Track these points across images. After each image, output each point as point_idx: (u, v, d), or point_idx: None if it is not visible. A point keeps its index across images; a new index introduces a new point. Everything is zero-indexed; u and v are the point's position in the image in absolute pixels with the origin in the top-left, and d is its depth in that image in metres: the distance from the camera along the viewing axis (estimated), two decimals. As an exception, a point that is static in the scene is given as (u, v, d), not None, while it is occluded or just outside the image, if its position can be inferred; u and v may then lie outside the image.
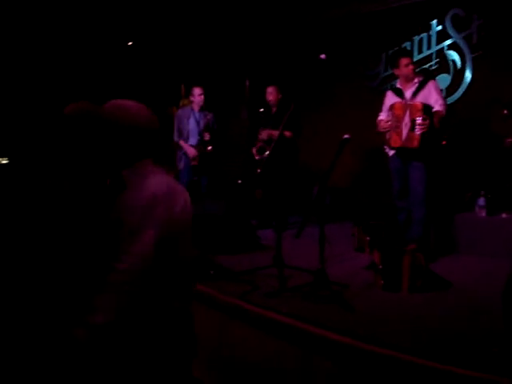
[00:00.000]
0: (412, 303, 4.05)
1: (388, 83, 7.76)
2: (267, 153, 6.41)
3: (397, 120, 5.33)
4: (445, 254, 5.58)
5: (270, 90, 7.08)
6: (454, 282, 4.48)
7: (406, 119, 5.26)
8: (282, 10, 8.95)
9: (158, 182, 2.10)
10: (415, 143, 5.21)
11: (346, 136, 4.21)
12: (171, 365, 2.05)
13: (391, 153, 5.58)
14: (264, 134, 6.95)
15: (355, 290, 4.36)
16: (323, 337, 3.45)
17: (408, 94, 5.48)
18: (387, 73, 8.00)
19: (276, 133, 6.64)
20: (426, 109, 5.23)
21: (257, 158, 6.95)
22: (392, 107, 5.43)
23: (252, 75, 9.23)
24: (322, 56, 4.71)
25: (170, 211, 2.06)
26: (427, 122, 5.15)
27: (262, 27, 9.22)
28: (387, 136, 5.46)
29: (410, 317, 3.76)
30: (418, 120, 5.15)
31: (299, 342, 3.56)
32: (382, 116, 5.65)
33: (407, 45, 7.84)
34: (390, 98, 5.64)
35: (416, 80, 5.50)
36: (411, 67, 5.47)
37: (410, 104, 5.30)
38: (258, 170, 5.70)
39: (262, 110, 7.17)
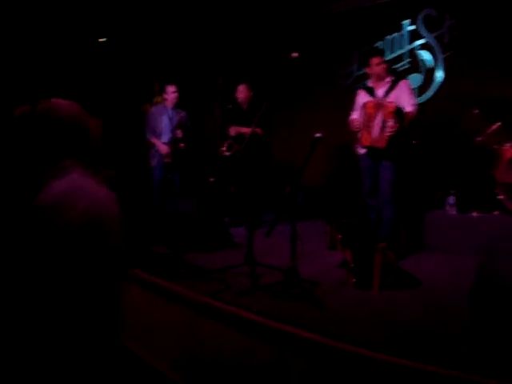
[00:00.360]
0: (382, 301, 4.08)
1: (361, 82, 7.78)
2: (238, 150, 6.43)
3: (369, 119, 5.37)
4: (415, 252, 5.64)
5: (240, 88, 7.14)
6: (424, 279, 4.53)
7: (378, 119, 5.30)
8: (256, 8, 8.95)
9: (62, 183, 1.95)
10: (383, 144, 5.26)
11: (317, 135, 4.21)
12: (96, 338, 1.95)
13: (362, 151, 5.61)
14: (232, 131, 6.99)
15: (327, 288, 4.37)
16: (294, 335, 3.45)
17: (380, 92, 5.51)
18: (360, 71, 8.03)
19: (245, 129, 6.70)
20: (398, 111, 5.27)
21: (225, 154, 6.97)
22: (364, 106, 5.45)
23: (225, 73, 9.21)
24: (295, 54, 4.72)
25: (65, 215, 1.89)
26: (397, 125, 5.21)
27: (235, 25, 9.21)
28: (359, 134, 5.49)
29: (380, 314, 3.79)
30: (390, 122, 5.19)
31: (271, 340, 3.55)
32: (355, 115, 5.67)
33: (380, 44, 7.89)
34: (362, 97, 5.66)
35: (388, 79, 5.52)
36: (383, 66, 5.48)
37: (384, 104, 5.32)
38: (230, 166, 5.69)
39: (229, 106, 7.20)
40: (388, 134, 5.21)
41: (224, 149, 7.03)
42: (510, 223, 5.00)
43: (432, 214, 5.92)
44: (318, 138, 4.21)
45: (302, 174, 4.25)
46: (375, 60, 5.48)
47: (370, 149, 5.46)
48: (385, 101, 5.36)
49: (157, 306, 4.55)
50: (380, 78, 5.53)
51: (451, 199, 5.77)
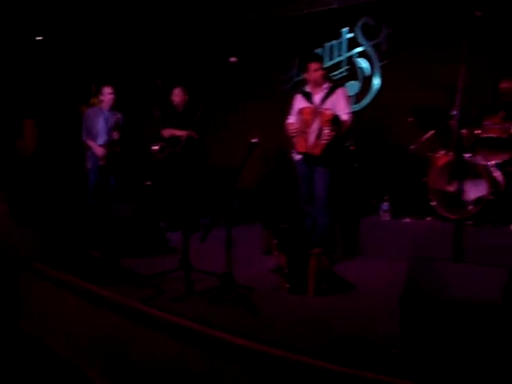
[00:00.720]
0: (317, 306, 4.10)
1: (300, 87, 7.86)
2: (173, 153, 6.40)
3: (305, 125, 5.36)
4: (351, 257, 5.71)
5: (176, 91, 7.16)
6: (358, 284, 4.58)
7: (315, 126, 5.30)
8: (198, 12, 8.92)
9: None
10: (318, 151, 5.28)
11: (254, 140, 4.21)
12: None
13: (298, 157, 5.62)
14: (166, 133, 6.95)
15: (262, 294, 4.36)
16: (229, 341, 3.42)
17: (317, 99, 5.52)
18: (299, 77, 8.08)
19: (179, 132, 6.67)
20: (335, 119, 5.29)
21: (158, 156, 6.93)
22: (301, 112, 5.45)
23: (165, 75, 9.12)
24: (233, 59, 4.71)
25: None
26: (334, 133, 5.24)
27: (175, 28, 9.13)
28: (294, 140, 5.50)
29: (314, 320, 3.80)
30: (326, 130, 5.22)
31: (205, 347, 3.52)
32: (291, 119, 5.68)
33: (319, 51, 7.97)
34: (299, 102, 5.66)
35: (325, 86, 5.55)
36: (320, 72, 5.51)
37: (321, 111, 5.33)
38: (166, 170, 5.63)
39: (162, 110, 7.18)
40: (324, 142, 5.24)
41: (156, 150, 6.98)
42: (441, 229, 5.10)
43: (367, 220, 6.01)
44: (254, 143, 4.21)
45: (238, 178, 4.23)
46: (313, 66, 5.50)
47: (305, 155, 5.47)
48: (322, 108, 5.37)
49: (89, 312, 4.45)
50: (317, 84, 5.55)
51: (385, 205, 5.88)
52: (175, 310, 3.88)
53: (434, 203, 5.58)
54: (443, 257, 3.89)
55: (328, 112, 5.29)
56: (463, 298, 2.63)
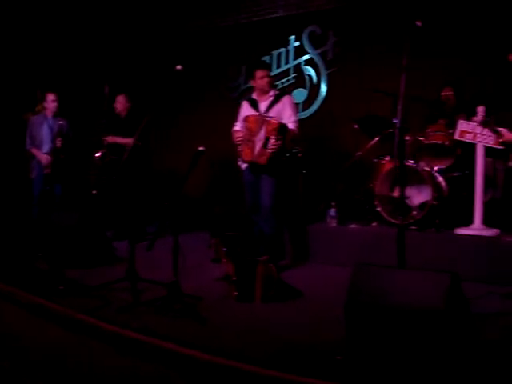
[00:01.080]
0: (264, 314, 4.10)
1: (248, 95, 7.90)
2: (119, 161, 6.33)
3: (250, 133, 5.36)
4: (299, 264, 5.74)
5: (119, 98, 7.10)
6: (306, 291, 4.61)
7: (261, 134, 5.29)
8: (146, 20, 8.86)
9: None
10: (264, 160, 5.29)
11: (200, 148, 4.20)
12: None
13: (244, 166, 5.61)
14: (107, 141, 6.87)
15: (210, 302, 4.34)
16: (176, 352, 3.39)
17: (262, 106, 5.53)
18: (247, 85, 8.12)
19: (122, 140, 6.64)
20: (282, 128, 5.30)
21: (98, 163, 6.85)
22: (246, 120, 5.43)
23: (112, 82, 9.02)
24: (179, 67, 4.68)
25: None
26: (280, 142, 5.26)
27: (123, 35, 9.04)
28: (239, 148, 5.49)
29: (262, 327, 3.80)
30: (272, 139, 5.22)
31: (151, 359, 3.47)
32: (238, 126, 5.67)
33: (267, 59, 8.02)
34: (245, 109, 5.65)
35: (271, 93, 5.57)
36: (267, 80, 5.52)
37: (267, 120, 5.32)
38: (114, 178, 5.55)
39: (107, 117, 7.10)
40: (270, 151, 5.24)
41: (98, 157, 6.89)
42: (387, 234, 5.17)
43: (315, 226, 6.05)
44: (200, 151, 4.20)
45: (184, 186, 4.21)
46: (259, 73, 5.51)
47: (251, 164, 5.47)
48: (268, 117, 5.37)
49: (33, 325, 4.34)
50: (264, 92, 5.56)
51: (332, 211, 5.94)
52: (120, 320, 3.82)
53: (379, 209, 5.68)
54: (389, 262, 3.94)
55: (274, 121, 5.30)
56: (405, 304, 2.67)
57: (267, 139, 5.25)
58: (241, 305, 4.30)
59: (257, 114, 5.48)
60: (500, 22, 6.29)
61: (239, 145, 5.47)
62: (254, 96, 5.68)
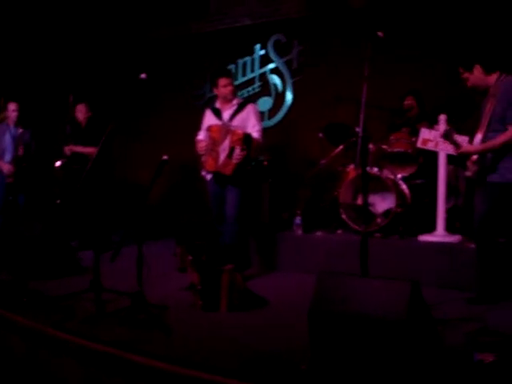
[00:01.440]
0: (230, 323, 4.09)
1: (213, 103, 7.92)
2: (79, 170, 6.27)
3: (214, 143, 5.31)
4: (266, 272, 5.76)
5: (79, 107, 7.00)
6: (272, 299, 4.61)
7: (226, 144, 5.26)
8: (110, 28, 8.80)
9: None
10: (229, 171, 5.26)
11: (164, 157, 4.19)
12: None
13: (209, 177, 5.56)
14: (67, 151, 6.79)
15: (175, 312, 4.31)
16: (141, 364, 3.37)
17: (226, 115, 5.49)
18: (212, 93, 8.12)
19: (82, 149, 6.67)
20: (247, 138, 5.29)
21: (58, 174, 6.77)
22: (209, 129, 5.39)
23: (77, 91, 8.94)
24: (143, 76, 4.66)
25: None
26: (245, 153, 5.25)
27: (88, 44, 8.96)
28: (203, 159, 5.44)
29: (227, 337, 3.79)
30: (237, 150, 5.20)
31: (117, 371, 3.44)
32: (201, 136, 5.64)
33: (232, 67, 8.04)
34: (208, 118, 5.61)
35: (235, 102, 5.54)
36: (230, 88, 5.48)
37: (232, 130, 5.28)
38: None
39: (68, 126, 7.02)
40: (235, 162, 5.22)
41: (58, 167, 6.81)
42: (352, 242, 5.21)
43: (281, 235, 6.07)
44: (164, 160, 4.19)
45: (149, 194, 4.19)
46: (222, 81, 5.47)
47: (215, 174, 5.43)
48: (231, 126, 5.35)
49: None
50: (227, 100, 5.53)
51: (298, 219, 5.97)
52: (85, 332, 3.77)
53: (344, 216, 5.73)
54: (354, 269, 3.99)
55: (239, 131, 5.28)
56: (366, 313, 2.70)
57: (232, 149, 5.22)
58: (206, 314, 4.28)
59: (220, 123, 5.45)
60: (460, 32, 6.42)
61: (203, 155, 5.42)
62: (218, 104, 5.65)
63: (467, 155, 4.34)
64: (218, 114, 5.56)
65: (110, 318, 4.12)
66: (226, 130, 5.32)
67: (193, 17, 8.42)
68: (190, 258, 5.36)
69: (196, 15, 8.40)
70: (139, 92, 4.86)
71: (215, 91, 5.61)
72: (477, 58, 4.28)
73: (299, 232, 5.97)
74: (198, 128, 5.78)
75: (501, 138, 4.13)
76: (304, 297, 4.59)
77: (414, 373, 2.62)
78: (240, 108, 5.51)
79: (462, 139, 4.69)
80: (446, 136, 4.34)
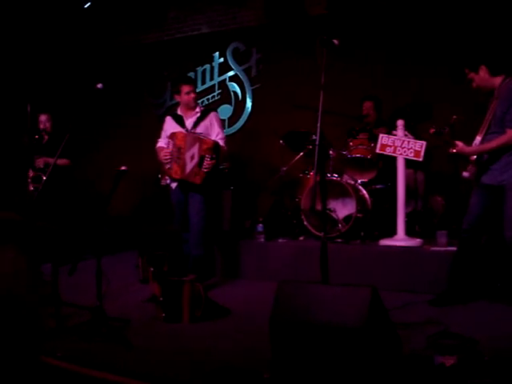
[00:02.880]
0: (192, 334, 4.04)
1: (175, 111, 7.89)
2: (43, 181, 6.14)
3: (179, 151, 5.22)
4: (230, 281, 5.73)
5: (41, 118, 6.85)
6: (235, 308, 4.58)
7: (194, 152, 5.19)
8: (69, 36, 8.68)
9: None
10: (198, 180, 5.20)
11: (122, 168, 4.14)
12: None
13: (174, 185, 5.48)
14: (40, 162, 6.64)
15: (137, 325, 4.24)
16: (103, 379, 3.30)
17: (189, 123, 5.44)
18: (173, 101, 8.11)
19: (52, 160, 6.42)
20: (216, 147, 5.28)
21: (31, 187, 6.59)
22: (174, 136, 5.29)
23: (34, 100, 8.79)
24: (99, 85, 4.61)
25: None
26: (214, 161, 5.22)
27: (45, 51, 8.82)
28: (167, 166, 5.32)
29: (188, 349, 3.74)
30: (207, 158, 5.16)
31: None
32: (162, 143, 5.54)
33: (191, 75, 8.02)
34: (170, 125, 5.53)
35: (198, 109, 5.51)
36: (193, 95, 5.45)
37: (201, 139, 5.24)
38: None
39: (36, 136, 6.87)
40: (205, 171, 5.18)
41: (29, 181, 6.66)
42: (313, 248, 5.21)
43: (243, 243, 6.05)
44: (122, 171, 4.14)
45: (108, 205, 4.13)
46: (185, 88, 5.42)
47: (181, 182, 5.36)
48: (201, 135, 5.31)
49: None
50: (189, 108, 5.49)
51: (260, 227, 5.96)
52: (44, 348, 3.69)
53: (305, 223, 5.74)
54: (316, 275, 3.97)
55: (209, 140, 5.26)
56: (326, 320, 2.69)
57: (202, 158, 5.18)
58: (168, 326, 4.22)
59: (183, 130, 5.40)
60: (416, 38, 6.53)
61: (166, 162, 5.31)
62: (179, 112, 5.58)
63: (459, 156, 4.37)
64: (180, 121, 5.49)
65: (70, 333, 4.03)
66: (193, 138, 5.26)
67: (151, 25, 8.38)
68: (152, 269, 5.33)
69: (154, 24, 8.35)
70: (96, 101, 4.79)
71: (177, 98, 5.56)
72: (483, 59, 4.30)
73: (261, 239, 5.96)
74: (157, 136, 5.70)
75: (497, 141, 4.17)
76: (267, 305, 4.56)
77: (374, 379, 2.62)
78: (203, 116, 5.48)
79: (419, 144, 4.76)
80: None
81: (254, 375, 3.08)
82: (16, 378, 2.38)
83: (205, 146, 5.20)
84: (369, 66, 6.76)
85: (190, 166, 5.22)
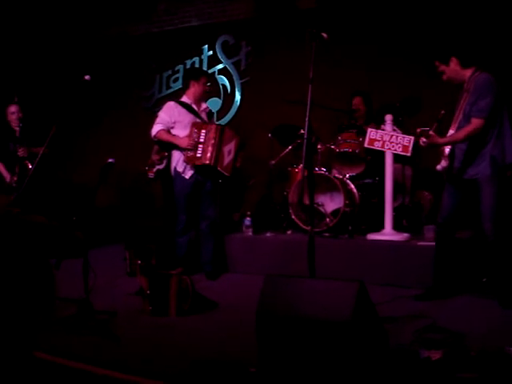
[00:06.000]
0: (179, 327, 4.04)
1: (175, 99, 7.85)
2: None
3: (204, 138, 5.34)
4: (218, 274, 5.70)
5: (12, 109, 6.71)
6: (222, 301, 4.58)
7: (231, 148, 5.51)
8: (56, 27, 8.60)
9: None
10: (229, 172, 5.52)
11: (110, 160, 4.12)
12: None
13: (189, 174, 5.48)
14: (24, 152, 6.54)
15: (124, 318, 4.22)
16: (89, 372, 3.29)
17: (204, 116, 5.61)
18: (162, 94, 8.09)
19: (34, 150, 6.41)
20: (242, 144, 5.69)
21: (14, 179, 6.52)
22: (204, 127, 5.38)
23: (21, 92, 8.72)
24: (87, 77, 4.58)
25: None
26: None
27: (32, 44, 8.73)
28: (190, 153, 5.35)
29: (176, 342, 3.75)
30: (241, 155, 5.62)
31: (64, 380, 3.35)
32: (162, 126, 5.45)
33: (180, 68, 7.99)
34: (180, 112, 5.48)
35: (205, 106, 5.73)
36: (208, 89, 5.67)
37: (237, 136, 5.60)
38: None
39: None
40: (238, 166, 5.60)
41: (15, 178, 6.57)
42: (301, 242, 5.21)
43: (232, 236, 6.05)
44: (109, 163, 4.12)
45: (94, 199, 4.12)
46: (206, 79, 5.61)
47: (203, 169, 5.44)
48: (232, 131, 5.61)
49: None
50: (202, 99, 5.65)
51: (247, 220, 5.96)
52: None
53: (293, 217, 5.74)
54: (303, 269, 3.98)
55: (239, 137, 5.60)
56: (313, 314, 2.70)
57: (237, 154, 5.56)
58: (155, 319, 4.22)
59: (198, 120, 5.50)
60: (405, 32, 6.54)
61: (190, 149, 5.33)
62: (187, 100, 5.56)
63: (437, 146, 4.38)
64: (192, 110, 5.52)
65: (57, 326, 4.01)
66: (232, 134, 5.56)
67: (140, 17, 8.32)
68: (139, 262, 5.32)
69: (144, 15, 8.30)
70: (84, 93, 4.74)
71: (192, 85, 5.54)
72: (453, 51, 4.32)
73: (249, 233, 5.96)
74: (145, 128, 5.65)
75: (464, 131, 4.19)
76: (254, 299, 4.56)
77: (360, 373, 2.63)
78: (210, 116, 5.81)
79: (407, 139, 4.76)
80: (421, 134, 4.36)
81: (240, 369, 3.08)
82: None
83: (239, 143, 5.58)
84: (358, 60, 6.75)
85: (227, 159, 5.46)
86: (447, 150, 4.38)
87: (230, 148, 5.47)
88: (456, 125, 4.30)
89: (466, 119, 4.22)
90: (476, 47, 5.18)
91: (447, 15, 6.33)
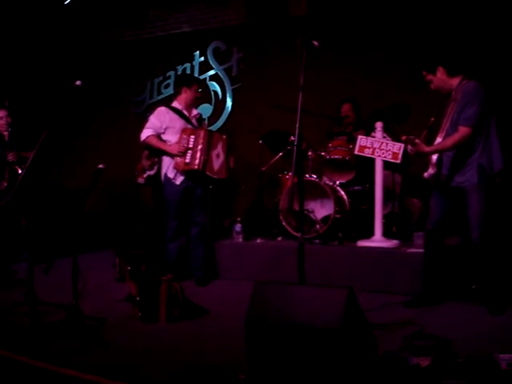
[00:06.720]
0: (168, 334, 4.03)
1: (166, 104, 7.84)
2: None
3: (199, 147, 5.36)
4: (208, 280, 5.69)
5: (0, 114, 6.66)
6: (212, 308, 4.58)
7: (219, 151, 5.54)
8: (48, 33, 8.58)
9: None
10: (224, 175, 5.60)
11: (100, 166, 4.12)
12: None
13: (179, 180, 5.49)
14: (13, 157, 6.50)
15: (113, 324, 4.20)
16: (77, 378, 3.28)
17: (194, 121, 5.63)
18: (153, 100, 8.10)
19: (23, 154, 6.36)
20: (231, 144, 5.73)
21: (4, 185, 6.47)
22: (193, 133, 5.41)
23: (13, 95, 8.69)
24: (78, 82, 4.57)
25: None
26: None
27: (24, 49, 8.71)
28: (178, 159, 5.38)
29: (165, 348, 3.73)
30: (232, 156, 5.67)
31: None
32: (151, 132, 5.47)
33: (171, 74, 8.00)
34: (171, 117, 5.50)
35: (196, 112, 5.75)
36: (200, 95, 5.73)
37: (223, 138, 5.62)
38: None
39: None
40: (231, 167, 5.66)
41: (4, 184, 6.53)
42: (291, 248, 5.21)
43: (222, 242, 6.05)
44: (99, 169, 4.12)
45: (84, 204, 4.11)
46: (197, 86, 5.67)
47: (193, 174, 5.45)
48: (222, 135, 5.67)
49: None
50: (192, 105, 5.69)
51: (238, 227, 5.96)
52: (19, 347, 3.65)
53: (284, 223, 5.75)
54: (293, 276, 3.98)
55: (225, 137, 5.66)
56: (302, 321, 2.70)
57: (227, 156, 5.61)
58: (145, 325, 4.20)
59: (189, 126, 5.52)
60: (395, 40, 6.58)
61: (181, 153, 5.35)
62: (178, 106, 5.59)
63: (423, 154, 4.40)
64: (183, 116, 5.55)
65: (46, 332, 3.99)
66: (218, 137, 5.59)
67: (132, 23, 8.32)
68: (129, 268, 5.31)
69: (135, 21, 8.30)
70: (75, 98, 4.74)
71: (184, 91, 5.58)
72: (439, 60, 4.34)
73: (239, 239, 5.96)
74: (136, 134, 5.64)
75: (451, 139, 4.21)
76: (244, 305, 4.56)
77: (349, 379, 2.64)
78: (199, 121, 5.77)
79: (397, 146, 4.78)
80: (406, 142, 4.38)
81: (230, 375, 3.08)
82: None
83: (226, 144, 5.62)
84: (348, 67, 6.78)
85: (217, 163, 5.53)
86: (434, 157, 4.41)
87: (217, 151, 5.50)
88: (443, 133, 4.33)
89: (454, 127, 4.24)
90: (462, 55, 5.22)
91: (434, 23, 6.38)
